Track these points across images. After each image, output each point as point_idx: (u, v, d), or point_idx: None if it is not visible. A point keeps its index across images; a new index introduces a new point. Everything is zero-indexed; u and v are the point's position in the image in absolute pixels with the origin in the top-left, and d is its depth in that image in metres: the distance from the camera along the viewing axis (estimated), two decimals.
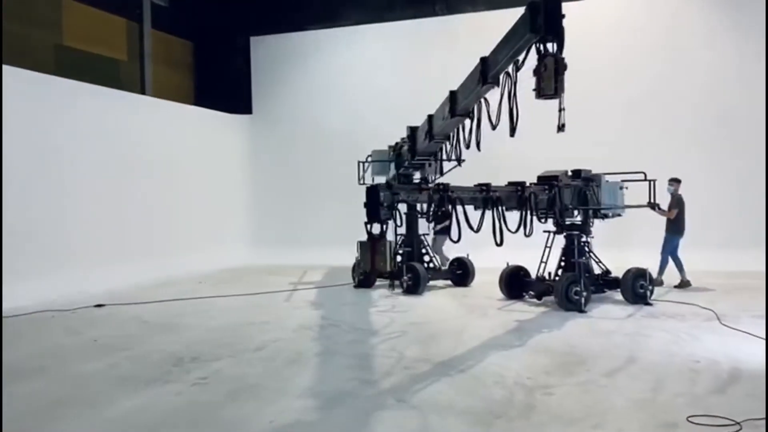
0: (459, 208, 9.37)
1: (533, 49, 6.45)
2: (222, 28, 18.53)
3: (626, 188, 10.87)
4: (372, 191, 8.77)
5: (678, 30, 15.26)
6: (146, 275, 13.44)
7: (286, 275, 14.51)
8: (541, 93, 6.19)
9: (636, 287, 10.27)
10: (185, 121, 16.45)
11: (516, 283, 10.96)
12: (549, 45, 6.17)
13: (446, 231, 12.94)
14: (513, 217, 9.69)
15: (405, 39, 17.38)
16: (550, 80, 5.98)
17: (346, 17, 17.77)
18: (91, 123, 13.20)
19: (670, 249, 11.94)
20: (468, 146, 9.43)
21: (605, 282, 10.72)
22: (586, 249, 10.56)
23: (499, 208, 9.45)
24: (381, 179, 12.20)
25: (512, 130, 7.25)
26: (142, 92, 15.60)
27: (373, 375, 6.51)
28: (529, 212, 9.62)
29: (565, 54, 6.11)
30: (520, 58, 6.80)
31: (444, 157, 11.34)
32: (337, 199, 16.72)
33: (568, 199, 10.39)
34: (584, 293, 9.73)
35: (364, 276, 12.47)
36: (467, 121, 9.27)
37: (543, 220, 10.24)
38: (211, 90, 18.32)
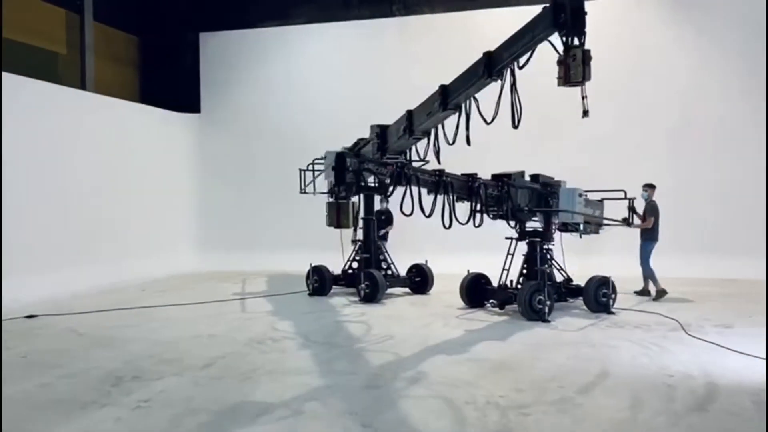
0: (416, 191, 9.48)
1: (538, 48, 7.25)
2: (170, 23, 17.71)
3: (585, 196, 10.54)
4: (339, 157, 9.67)
5: (648, 45, 15.28)
6: (85, 283, 12.56)
7: (237, 282, 13.88)
8: (569, 80, 6.64)
9: (598, 296, 10.07)
10: (129, 119, 15.54)
11: (477, 291, 10.63)
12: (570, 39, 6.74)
13: (385, 237, 12.73)
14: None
15: (361, 39, 16.95)
16: (579, 68, 6.47)
17: (300, 15, 17.23)
18: (26, 119, 12.24)
19: (646, 256, 11.52)
20: (453, 142, 9.02)
21: (567, 290, 10.49)
22: (549, 256, 10.32)
23: (451, 195, 9.52)
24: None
25: (517, 122, 7.65)
26: (83, 88, 14.67)
27: (333, 395, 6.01)
28: (479, 204, 9.62)
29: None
30: (524, 58, 7.52)
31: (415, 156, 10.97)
32: (290, 202, 16.07)
33: (522, 201, 10.10)
34: (548, 302, 9.46)
35: (319, 283, 11.95)
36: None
37: (492, 216, 10.02)
38: (157, 87, 17.45)
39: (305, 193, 12.77)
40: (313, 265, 12.06)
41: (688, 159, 14.91)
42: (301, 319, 9.78)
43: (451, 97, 8.81)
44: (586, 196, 10.58)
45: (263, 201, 17.10)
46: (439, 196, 9.52)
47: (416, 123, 9.72)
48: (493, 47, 8.07)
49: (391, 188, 9.86)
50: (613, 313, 9.98)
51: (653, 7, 15.36)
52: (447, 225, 9.26)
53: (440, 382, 6.35)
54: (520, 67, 7.66)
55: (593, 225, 10.77)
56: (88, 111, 14.14)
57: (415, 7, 16.59)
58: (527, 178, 10.66)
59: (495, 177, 10.14)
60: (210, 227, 17.46)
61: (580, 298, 10.33)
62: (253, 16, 17.49)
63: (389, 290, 11.75)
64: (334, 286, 12.17)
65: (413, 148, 10.77)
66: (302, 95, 17.18)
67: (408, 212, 9.29)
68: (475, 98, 8.69)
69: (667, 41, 15.21)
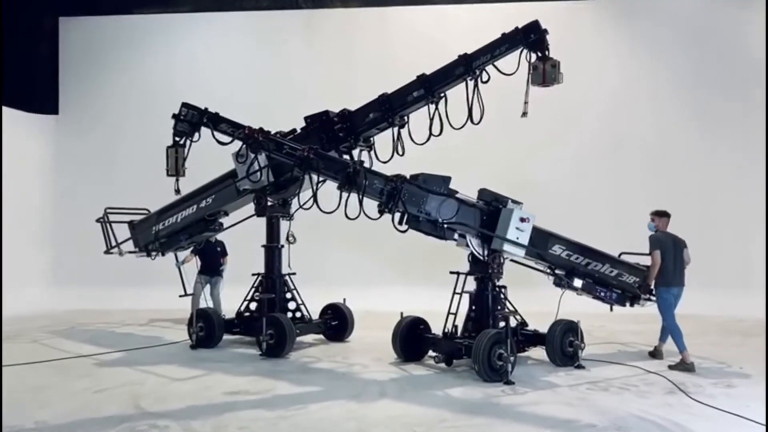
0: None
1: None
2: (21, 5, 14.35)
3: (528, 220, 8.36)
4: (181, 107, 9.18)
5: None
6: None
7: (94, 328, 10.94)
8: (545, 81, 7.63)
9: (564, 345, 8.11)
10: None
11: (415, 340, 8.36)
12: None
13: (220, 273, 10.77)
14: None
15: (260, 32, 14.66)
16: (557, 73, 7.62)
17: (184, 2, 14.54)
18: None
19: (663, 308, 8.37)
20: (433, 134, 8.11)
21: (525, 337, 8.43)
22: (503, 296, 8.23)
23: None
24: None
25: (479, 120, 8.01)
26: None
27: None
28: (358, 192, 7.43)
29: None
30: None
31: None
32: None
33: (436, 209, 7.65)
34: (512, 358, 7.31)
35: (206, 332, 9.22)
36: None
37: (380, 214, 7.66)
38: (4, 83, 14.02)
39: (110, 253, 10.46)
40: (198, 308, 9.31)
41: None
42: (178, 390, 7.01)
43: (435, 86, 8.25)
44: (528, 219, 8.37)
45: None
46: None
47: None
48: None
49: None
50: (582, 366, 8.03)
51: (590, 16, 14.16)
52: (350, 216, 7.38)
53: None
54: (484, 82, 8.08)
55: (626, 293, 8.69)
56: None
57: (325, 0, 14.36)
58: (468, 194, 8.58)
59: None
60: (65, 255, 14.29)
61: (539, 346, 8.37)
62: (126, 0, 14.57)
63: (299, 337, 9.22)
64: (227, 335, 9.47)
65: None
66: (187, 95, 14.19)
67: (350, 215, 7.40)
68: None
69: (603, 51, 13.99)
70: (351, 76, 13.82)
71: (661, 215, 8.64)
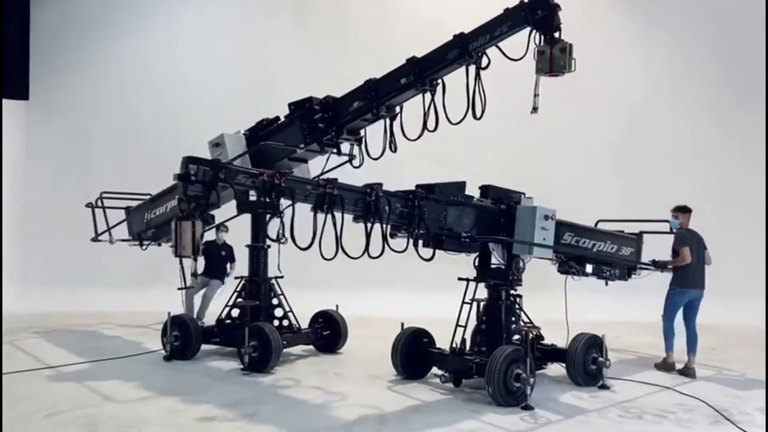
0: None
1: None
2: None
3: (552, 217, 7.52)
4: (184, 161, 6.67)
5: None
6: None
7: (61, 332, 9.97)
8: (553, 69, 6.32)
9: (587, 363, 7.16)
10: None
11: (418, 356, 7.37)
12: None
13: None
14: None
15: (244, 7, 13.68)
16: (566, 59, 6.28)
17: None
18: None
19: (670, 310, 7.98)
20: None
21: (542, 353, 7.47)
22: (517, 306, 7.28)
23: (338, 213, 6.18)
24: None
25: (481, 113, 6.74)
26: None
27: None
28: (380, 224, 6.23)
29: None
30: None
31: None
32: (123, 230, 12.35)
33: (458, 222, 6.79)
34: (531, 379, 6.35)
35: (181, 341, 8.20)
36: None
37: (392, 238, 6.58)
38: None
39: (98, 241, 9.77)
40: (173, 314, 8.28)
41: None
42: (144, 415, 5.97)
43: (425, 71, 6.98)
44: (553, 217, 7.53)
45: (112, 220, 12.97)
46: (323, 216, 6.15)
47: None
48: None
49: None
50: (606, 386, 7.10)
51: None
52: (327, 256, 6.07)
53: None
54: (483, 68, 6.78)
55: (619, 267, 7.88)
56: None
57: None
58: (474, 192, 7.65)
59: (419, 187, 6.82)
60: (34, 254, 13.24)
61: (557, 363, 7.44)
62: None
63: (287, 348, 8.22)
64: (206, 344, 8.45)
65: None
66: (171, 78, 13.47)
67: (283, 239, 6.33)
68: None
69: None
70: (344, 57, 12.88)
71: (685, 211, 8.09)
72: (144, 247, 9.62)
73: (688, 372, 7.76)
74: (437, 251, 6.72)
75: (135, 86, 13.64)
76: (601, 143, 13.27)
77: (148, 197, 9.37)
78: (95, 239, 10.02)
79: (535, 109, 6.62)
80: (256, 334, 7.58)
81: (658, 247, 8.30)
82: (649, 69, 13.42)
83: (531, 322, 7.49)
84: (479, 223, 6.92)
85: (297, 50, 13.42)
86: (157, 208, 9.00)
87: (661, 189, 12.54)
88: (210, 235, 9.75)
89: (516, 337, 7.12)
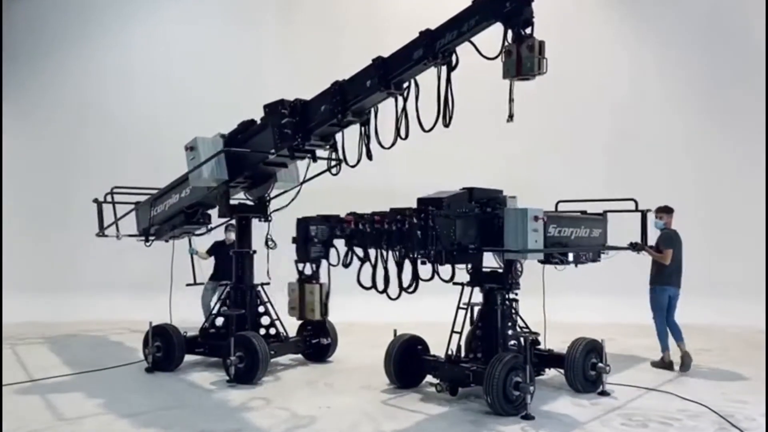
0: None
1: None
2: None
3: (544, 219, 7.29)
4: (301, 224, 6.75)
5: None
6: None
7: (36, 345, 9.57)
8: (521, 72, 5.57)
9: (587, 368, 6.93)
10: None
11: (412, 364, 7.09)
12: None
13: None
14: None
15: (234, 5, 13.45)
16: (535, 59, 5.50)
17: None
18: None
19: (656, 308, 8.17)
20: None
21: (539, 358, 7.22)
22: (513, 311, 7.03)
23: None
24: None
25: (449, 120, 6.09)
26: None
27: None
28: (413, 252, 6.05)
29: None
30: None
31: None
32: (127, 226, 11.99)
33: (465, 234, 6.45)
34: (531, 387, 6.10)
35: (164, 351, 7.85)
36: None
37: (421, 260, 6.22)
38: None
39: (104, 236, 9.40)
40: (154, 324, 7.92)
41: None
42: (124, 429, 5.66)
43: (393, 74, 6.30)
44: (544, 218, 7.32)
45: (87, 222, 12.58)
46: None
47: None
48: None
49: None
50: (607, 393, 6.88)
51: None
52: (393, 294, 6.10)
53: None
54: (452, 68, 6.05)
55: (592, 249, 7.55)
56: None
57: None
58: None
59: (422, 202, 6.51)
60: (16, 261, 12.61)
61: (554, 369, 7.25)
62: None
63: (275, 358, 7.90)
64: (189, 354, 8.10)
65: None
66: (150, 76, 13.16)
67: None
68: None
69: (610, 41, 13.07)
70: (335, 57, 12.52)
71: (668, 211, 8.29)
72: (149, 243, 9.27)
73: (685, 360, 7.91)
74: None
75: (115, 85, 13.27)
76: (591, 142, 13.11)
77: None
78: (101, 234, 9.56)
79: (510, 117, 5.83)
80: (241, 344, 7.26)
81: (621, 227, 7.96)
82: (638, 67, 13.32)
83: (528, 327, 7.29)
84: (480, 232, 6.65)
85: (286, 50, 13.14)
86: (159, 206, 8.76)
87: (653, 188, 12.46)
88: (214, 236, 9.70)
89: (512, 342, 6.90)
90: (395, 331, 7.26)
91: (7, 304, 11.55)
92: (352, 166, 7.09)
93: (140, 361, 8.14)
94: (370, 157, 6.91)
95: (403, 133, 6.36)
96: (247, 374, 7.21)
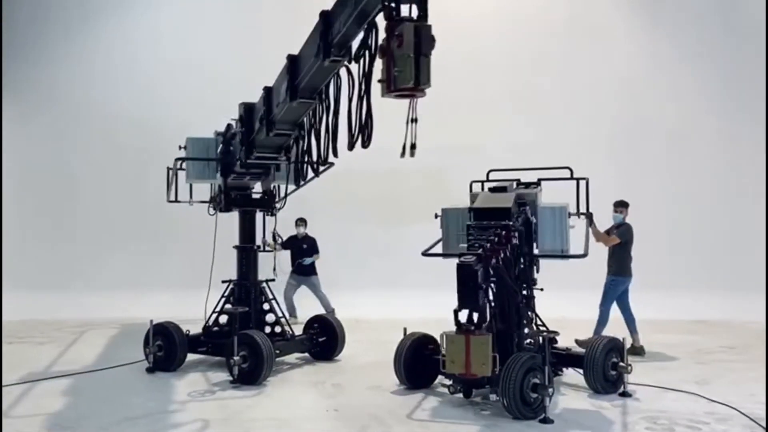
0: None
1: None
2: None
3: (578, 216, 7.09)
4: (466, 271, 5.68)
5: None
6: None
7: (36, 344, 9.33)
8: (393, 85, 3.68)
9: (607, 368, 6.60)
10: None
11: (423, 364, 6.77)
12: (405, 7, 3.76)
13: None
14: None
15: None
16: (408, 66, 3.54)
17: None
18: None
19: (613, 297, 8.51)
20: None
21: (557, 357, 6.91)
22: (529, 308, 6.73)
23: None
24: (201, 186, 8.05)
25: (363, 140, 4.54)
26: None
27: None
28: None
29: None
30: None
31: (305, 158, 6.81)
32: (130, 223, 11.78)
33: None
34: (550, 389, 5.77)
35: (165, 351, 7.58)
36: None
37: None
38: None
39: (177, 201, 8.51)
40: (155, 322, 7.63)
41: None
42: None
43: (301, 80, 5.54)
44: (578, 215, 7.15)
45: (93, 217, 12.33)
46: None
47: (275, 111, 6.26)
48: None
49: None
50: (628, 394, 6.55)
51: None
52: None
53: None
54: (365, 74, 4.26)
55: None
56: None
57: None
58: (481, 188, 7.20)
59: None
60: (8, 256, 12.39)
61: (572, 368, 6.93)
62: None
63: (280, 357, 7.61)
64: (192, 354, 7.81)
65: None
66: (150, 68, 12.96)
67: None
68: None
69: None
70: None
71: (626, 206, 8.72)
72: (213, 213, 8.40)
73: (638, 351, 8.28)
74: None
75: (114, 78, 13.07)
76: (597, 133, 12.79)
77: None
78: (174, 200, 8.61)
79: (403, 153, 4.16)
80: (245, 343, 6.95)
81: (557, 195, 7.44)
82: (649, 59, 12.99)
83: (545, 325, 6.98)
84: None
85: (289, 41, 12.83)
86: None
87: (658, 180, 12.21)
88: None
89: (528, 341, 6.60)
90: (405, 329, 6.95)
91: (7, 301, 11.36)
92: (314, 177, 6.95)
93: (141, 361, 7.87)
94: (316, 172, 6.69)
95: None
96: (251, 374, 6.90)
